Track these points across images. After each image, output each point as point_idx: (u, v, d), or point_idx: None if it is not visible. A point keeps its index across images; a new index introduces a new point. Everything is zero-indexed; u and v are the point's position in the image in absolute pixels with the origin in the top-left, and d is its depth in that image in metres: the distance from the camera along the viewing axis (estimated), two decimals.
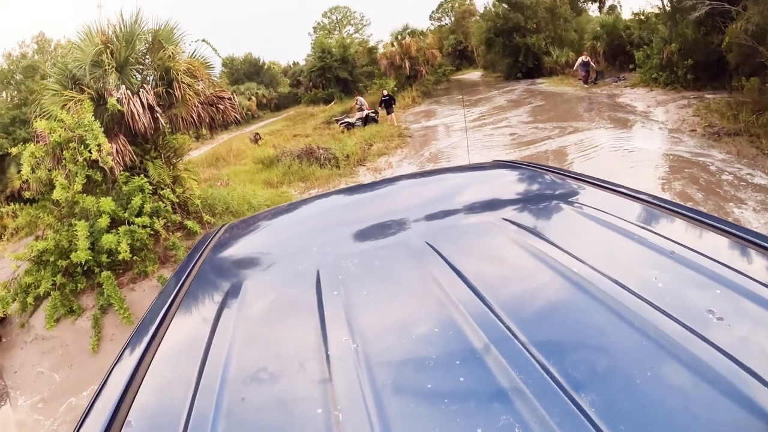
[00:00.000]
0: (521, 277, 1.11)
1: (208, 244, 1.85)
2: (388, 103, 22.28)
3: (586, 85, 23.00)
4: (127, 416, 0.92)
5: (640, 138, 11.72)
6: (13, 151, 6.75)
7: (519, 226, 1.31)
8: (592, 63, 23.56)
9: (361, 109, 23.20)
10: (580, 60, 23.67)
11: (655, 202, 1.42)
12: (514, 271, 1.14)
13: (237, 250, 1.82)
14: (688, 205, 7.12)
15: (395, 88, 30.91)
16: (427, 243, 1.28)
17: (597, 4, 42.30)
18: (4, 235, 12.65)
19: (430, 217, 1.57)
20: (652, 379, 0.77)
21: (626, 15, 31.73)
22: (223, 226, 2.17)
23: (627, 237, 1.19)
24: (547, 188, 1.77)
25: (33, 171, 6.66)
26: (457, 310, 0.96)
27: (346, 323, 0.99)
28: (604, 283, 0.98)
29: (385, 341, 0.95)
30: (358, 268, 1.26)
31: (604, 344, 0.84)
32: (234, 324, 1.10)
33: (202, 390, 0.92)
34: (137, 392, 0.98)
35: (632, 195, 1.50)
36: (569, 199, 1.54)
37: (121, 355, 1.16)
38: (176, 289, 1.43)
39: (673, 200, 1.50)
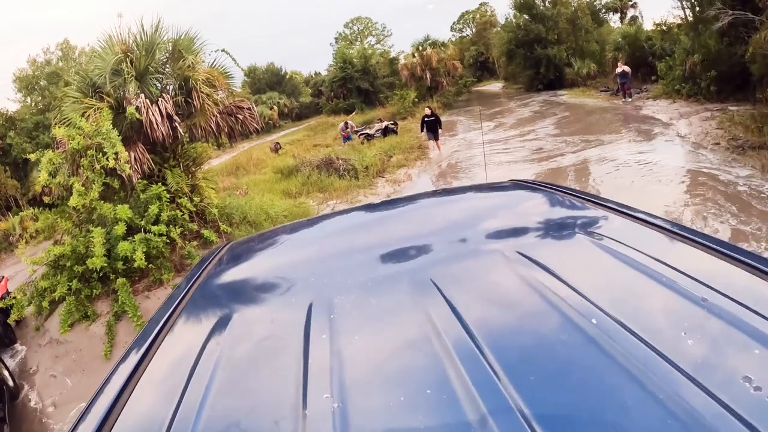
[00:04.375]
0: (531, 331, 1.00)
1: (209, 263, 1.82)
2: (431, 126, 16.50)
3: (623, 100, 20.63)
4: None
5: (664, 152, 11.53)
6: (32, 157, 6.87)
7: (534, 262, 1.21)
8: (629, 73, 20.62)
9: (346, 132, 22.27)
10: (617, 70, 20.85)
11: (688, 236, 1.27)
12: (524, 322, 1.03)
13: (236, 273, 1.78)
14: (726, 223, 6.96)
15: (416, 99, 30.81)
16: (431, 281, 1.20)
17: (618, 14, 42.23)
18: (23, 237, 12.91)
19: (439, 247, 1.48)
20: None
21: (648, 25, 31.54)
22: (226, 244, 2.13)
23: (656, 280, 1.07)
24: (566, 215, 1.67)
25: (52, 177, 6.76)
26: (454, 368, 0.87)
27: (329, 376, 0.92)
28: (628, 341, 0.87)
29: (370, 401, 0.87)
30: (352, 306, 1.19)
31: (626, 425, 0.73)
32: (215, 363, 1.06)
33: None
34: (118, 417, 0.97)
35: (663, 227, 1.36)
36: (590, 230, 1.42)
37: (113, 371, 1.16)
38: (171, 310, 1.41)
39: (712, 236, 1.33)
